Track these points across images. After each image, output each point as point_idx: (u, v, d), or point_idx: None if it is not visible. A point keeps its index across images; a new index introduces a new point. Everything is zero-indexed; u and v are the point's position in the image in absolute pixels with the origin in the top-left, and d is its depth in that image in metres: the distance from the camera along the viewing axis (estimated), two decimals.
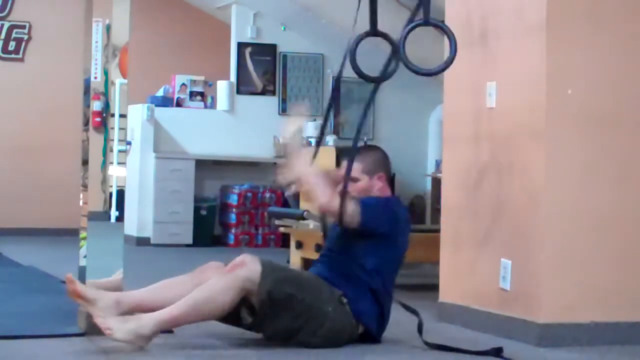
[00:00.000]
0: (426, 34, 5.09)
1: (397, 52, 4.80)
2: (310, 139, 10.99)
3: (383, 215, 4.65)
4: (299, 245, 7.32)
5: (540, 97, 4.87)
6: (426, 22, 4.97)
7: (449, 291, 5.51)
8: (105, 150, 4.84)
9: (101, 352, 4.43)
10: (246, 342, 4.80)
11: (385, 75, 4.87)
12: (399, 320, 5.66)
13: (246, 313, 4.51)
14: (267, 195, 10.78)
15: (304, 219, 7.02)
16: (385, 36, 4.90)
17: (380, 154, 4.92)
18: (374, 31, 4.94)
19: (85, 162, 4.85)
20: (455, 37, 4.83)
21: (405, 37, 4.73)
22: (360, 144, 7.12)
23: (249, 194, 10.74)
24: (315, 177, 4.55)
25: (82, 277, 4.80)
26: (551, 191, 4.84)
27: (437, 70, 4.86)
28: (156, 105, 10.76)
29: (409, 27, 4.76)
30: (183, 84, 10.96)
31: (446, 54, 5.62)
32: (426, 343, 4.62)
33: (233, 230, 10.73)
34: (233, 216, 10.73)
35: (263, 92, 11.32)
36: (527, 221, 4.93)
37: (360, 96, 11.55)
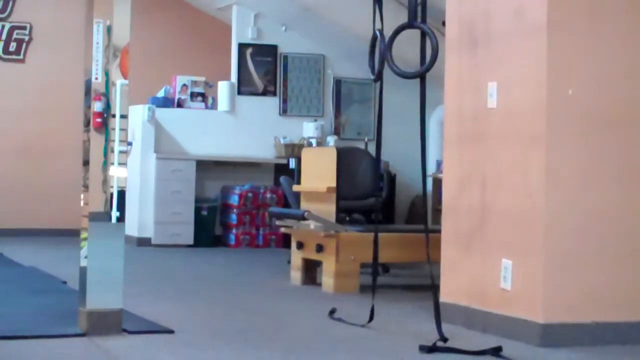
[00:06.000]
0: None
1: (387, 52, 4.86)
2: (311, 139, 11.04)
3: None
4: (300, 245, 7.32)
5: (541, 97, 4.88)
6: (410, 25, 5.02)
7: (450, 291, 5.51)
8: (106, 151, 4.84)
9: (102, 353, 4.44)
10: (247, 343, 4.80)
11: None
12: (399, 321, 5.68)
13: None
14: (268, 195, 10.78)
15: (304, 219, 7.02)
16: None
17: None
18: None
19: (86, 163, 4.85)
20: (436, 39, 4.87)
21: (392, 40, 4.79)
22: (361, 144, 7.10)
23: (250, 195, 10.74)
24: None
25: (83, 278, 4.80)
26: (551, 191, 4.85)
27: (416, 74, 4.95)
28: (157, 106, 10.76)
29: (395, 30, 4.83)
30: (184, 85, 10.97)
31: (445, 55, 5.65)
32: (422, 347, 4.62)
33: (234, 231, 10.73)
34: (234, 216, 10.73)
35: (264, 93, 11.33)
36: (528, 221, 4.93)
37: (360, 97, 11.57)
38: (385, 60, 5.06)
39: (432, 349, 4.59)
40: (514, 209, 5.03)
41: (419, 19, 5.03)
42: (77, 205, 5.01)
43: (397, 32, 5.07)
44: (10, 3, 11.54)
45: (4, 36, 11.53)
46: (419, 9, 5.02)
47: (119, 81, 4.86)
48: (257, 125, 11.19)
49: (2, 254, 8.99)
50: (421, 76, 5.00)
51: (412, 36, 5.10)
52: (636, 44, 5.02)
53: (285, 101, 11.40)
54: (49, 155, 11.55)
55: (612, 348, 4.82)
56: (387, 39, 5.13)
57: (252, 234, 10.78)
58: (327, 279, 6.96)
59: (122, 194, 4.87)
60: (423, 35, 5.03)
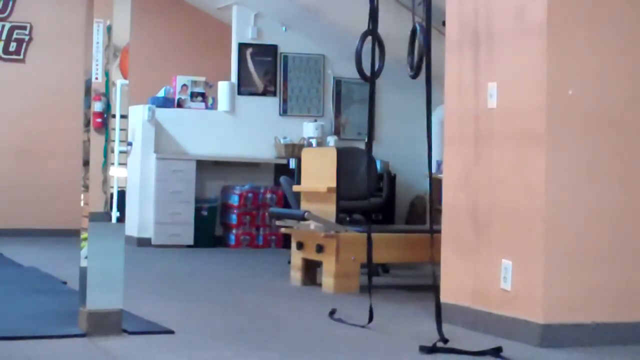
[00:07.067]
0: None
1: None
2: (311, 140, 11.04)
3: None
4: (300, 245, 7.32)
5: (540, 97, 4.88)
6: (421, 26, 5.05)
7: (450, 291, 5.51)
8: (106, 151, 4.84)
9: (102, 353, 4.43)
10: (247, 343, 4.80)
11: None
12: (399, 321, 5.68)
13: None
14: (268, 195, 10.78)
15: (304, 219, 7.02)
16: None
17: None
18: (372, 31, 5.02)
19: (86, 163, 4.85)
20: (422, 40, 4.92)
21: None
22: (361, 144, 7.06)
23: (250, 195, 10.74)
24: None
25: (83, 278, 4.80)
26: (551, 191, 4.85)
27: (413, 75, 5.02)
28: (157, 106, 10.76)
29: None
30: (184, 85, 10.97)
31: (445, 55, 5.64)
32: (422, 347, 4.62)
33: (234, 231, 10.73)
34: (234, 217, 10.73)
35: (264, 93, 11.32)
36: (528, 221, 4.93)
37: (360, 97, 11.57)
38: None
39: (432, 350, 4.59)
40: (514, 209, 5.03)
41: (422, 20, 5.06)
42: (77, 205, 5.01)
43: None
44: (10, 3, 11.54)
45: (4, 36, 11.53)
46: (423, 9, 5.05)
47: (119, 81, 4.86)
48: (257, 126, 11.19)
49: (2, 254, 8.99)
50: (414, 77, 5.03)
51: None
52: (636, 44, 5.02)
53: (285, 101, 11.39)
54: (49, 155, 11.55)
55: (612, 348, 4.82)
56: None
57: (252, 234, 10.78)
58: (327, 280, 6.96)
59: (122, 194, 4.87)
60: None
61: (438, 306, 4.93)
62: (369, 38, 5.29)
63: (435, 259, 5.08)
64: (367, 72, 5.37)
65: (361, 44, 5.15)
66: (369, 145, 5.37)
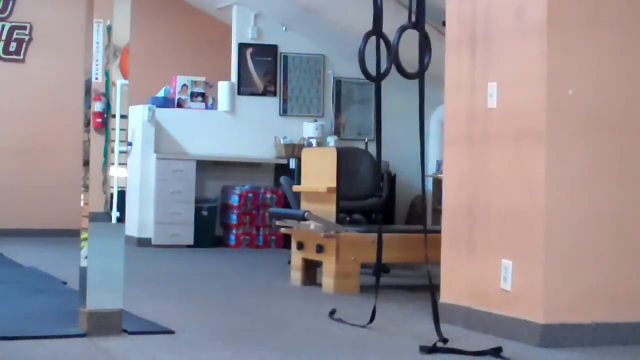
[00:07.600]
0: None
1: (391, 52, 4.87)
2: (311, 140, 11.04)
3: None
4: (300, 246, 7.32)
5: (540, 97, 4.88)
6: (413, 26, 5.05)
7: (450, 292, 5.51)
8: (106, 151, 4.84)
9: (102, 353, 4.43)
10: (247, 343, 4.80)
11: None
12: (399, 321, 5.67)
13: None
14: (268, 195, 10.78)
15: (304, 219, 7.02)
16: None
17: None
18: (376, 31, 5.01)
19: (86, 163, 4.85)
20: (430, 42, 4.90)
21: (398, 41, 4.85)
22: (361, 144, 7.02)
23: (250, 195, 10.74)
24: None
25: (83, 278, 4.80)
26: (551, 191, 4.85)
27: (414, 74, 5.00)
28: (157, 106, 10.76)
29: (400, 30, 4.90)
30: (184, 85, 10.97)
31: (445, 55, 5.64)
32: (422, 347, 4.61)
33: (234, 231, 10.73)
34: (234, 217, 10.73)
35: (264, 93, 11.33)
36: (528, 221, 4.93)
37: (360, 97, 11.57)
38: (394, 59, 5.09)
39: (432, 350, 4.59)
40: (514, 209, 5.03)
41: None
42: (77, 205, 5.01)
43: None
44: (10, 3, 11.54)
45: (4, 36, 11.53)
46: (418, 9, 5.04)
47: (119, 81, 4.86)
48: (257, 126, 11.19)
49: (2, 254, 8.99)
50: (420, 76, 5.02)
51: (409, 36, 5.10)
52: (636, 44, 5.02)
53: (285, 101, 11.40)
54: (49, 155, 11.55)
55: (612, 348, 4.82)
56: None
57: (252, 234, 10.78)
58: (327, 280, 6.96)
59: (122, 194, 4.87)
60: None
61: (435, 306, 4.92)
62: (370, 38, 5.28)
63: (429, 259, 5.08)
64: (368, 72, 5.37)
65: (364, 44, 5.14)
66: (378, 144, 5.34)
